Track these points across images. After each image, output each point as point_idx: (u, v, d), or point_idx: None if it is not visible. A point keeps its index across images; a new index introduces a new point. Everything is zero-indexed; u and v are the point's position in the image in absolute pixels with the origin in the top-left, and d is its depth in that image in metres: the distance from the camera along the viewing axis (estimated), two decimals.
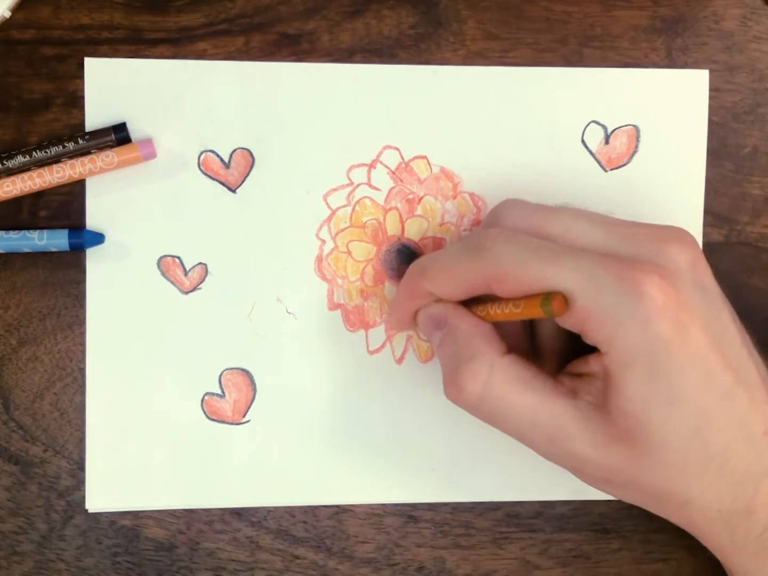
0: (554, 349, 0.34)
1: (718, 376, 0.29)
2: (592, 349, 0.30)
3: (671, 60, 0.38)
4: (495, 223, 0.32)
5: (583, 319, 0.29)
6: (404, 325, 0.35)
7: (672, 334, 0.28)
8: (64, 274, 0.36)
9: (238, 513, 0.37)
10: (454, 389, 0.32)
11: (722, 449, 0.29)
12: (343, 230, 0.37)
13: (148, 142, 0.35)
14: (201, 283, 0.37)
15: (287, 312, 0.37)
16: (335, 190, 0.37)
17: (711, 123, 0.38)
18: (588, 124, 0.38)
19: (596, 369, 0.30)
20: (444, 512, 0.38)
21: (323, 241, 0.37)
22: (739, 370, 0.29)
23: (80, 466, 0.36)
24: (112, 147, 0.35)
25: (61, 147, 0.35)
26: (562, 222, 0.31)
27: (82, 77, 0.36)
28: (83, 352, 0.36)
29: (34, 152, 0.35)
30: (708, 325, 0.29)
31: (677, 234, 0.31)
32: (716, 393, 0.29)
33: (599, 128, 0.38)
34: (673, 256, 0.30)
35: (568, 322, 0.30)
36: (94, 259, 0.36)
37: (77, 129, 0.36)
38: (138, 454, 0.36)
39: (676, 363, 0.28)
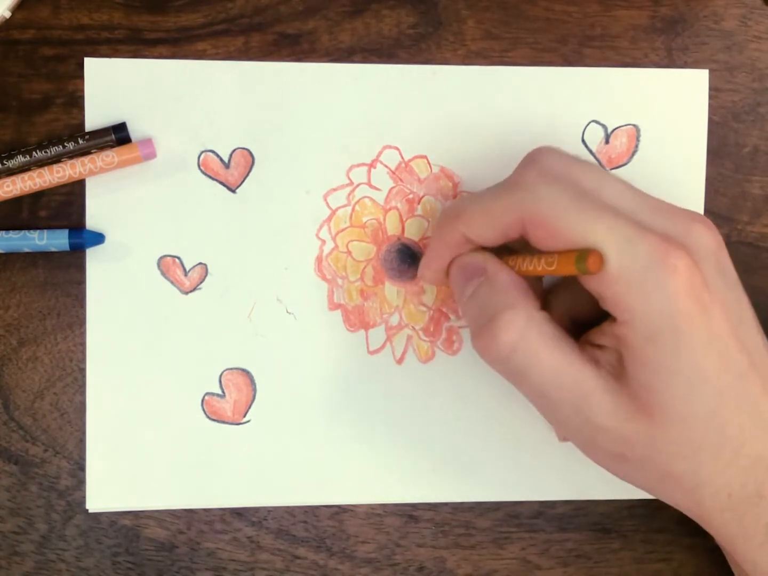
0: (568, 317, 0.33)
1: (735, 358, 0.29)
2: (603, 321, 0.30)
3: (671, 60, 0.38)
4: (531, 165, 0.31)
5: (611, 282, 0.28)
6: (439, 277, 0.34)
7: (696, 312, 0.28)
8: (64, 274, 0.36)
9: (239, 513, 0.37)
10: (486, 339, 0.31)
11: (738, 432, 0.29)
12: (343, 230, 0.37)
13: (148, 142, 0.35)
14: (201, 283, 0.37)
15: (287, 312, 0.37)
16: (335, 190, 0.37)
17: (711, 122, 0.38)
18: (588, 124, 0.38)
19: (612, 341, 0.30)
20: (444, 512, 0.38)
21: (323, 241, 0.37)
22: (753, 355, 0.29)
23: (80, 466, 0.36)
24: (112, 147, 0.35)
25: (61, 147, 0.35)
26: (598, 180, 0.30)
27: (82, 77, 0.36)
28: (83, 352, 0.36)
29: (34, 152, 0.35)
30: (728, 308, 0.29)
31: (703, 218, 0.31)
32: (733, 375, 0.29)
33: (599, 128, 0.38)
34: (700, 237, 0.29)
35: (594, 284, 0.29)
36: (94, 259, 0.36)
37: (77, 129, 0.36)
38: (138, 454, 0.36)
39: (699, 341, 0.28)
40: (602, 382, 0.30)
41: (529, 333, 0.30)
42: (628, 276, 0.28)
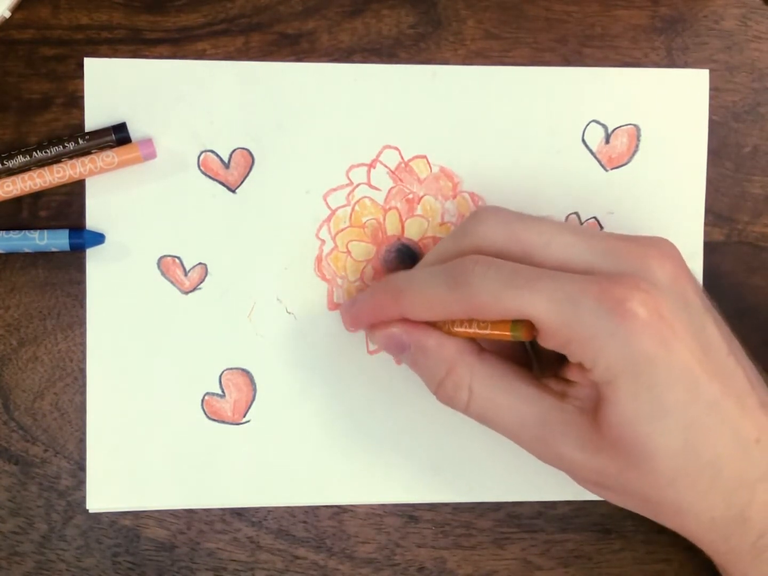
0: (547, 354, 0.34)
1: (704, 387, 0.29)
2: None
3: (671, 59, 0.38)
4: (473, 231, 0.32)
5: (563, 343, 0.29)
6: (358, 330, 0.36)
7: (655, 350, 0.28)
8: (64, 274, 0.36)
9: (239, 513, 0.37)
10: (443, 399, 0.32)
11: (714, 458, 0.29)
12: (342, 230, 0.37)
13: (148, 142, 0.35)
14: (201, 283, 0.37)
15: (287, 312, 0.37)
16: (335, 190, 0.37)
17: (711, 122, 0.38)
18: (588, 124, 0.38)
19: (579, 378, 0.31)
20: (445, 512, 0.38)
21: (323, 241, 0.37)
22: (726, 379, 0.29)
23: (80, 466, 0.36)
24: (112, 147, 0.35)
25: (61, 147, 0.35)
26: (544, 234, 0.31)
27: (81, 77, 0.36)
28: (83, 352, 0.36)
29: (34, 152, 0.35)
30: (692, 338, 0.29)
31: (659, 247, 0.31)
32: (704, 404, 0.29)
33: (600, 128, 0.38)
34: (654, 271, 0.30)
35: (550, 345, 0.30)
36: (94, 259, 0.36)
37: (77, 129, 0.36)
38: (138, 454, 0.36)
39: (660, 377, 0.28)
40: (566, 414, 0.30)
41: (477, 384, 0.31)
42: (578, 333, 0.28)
